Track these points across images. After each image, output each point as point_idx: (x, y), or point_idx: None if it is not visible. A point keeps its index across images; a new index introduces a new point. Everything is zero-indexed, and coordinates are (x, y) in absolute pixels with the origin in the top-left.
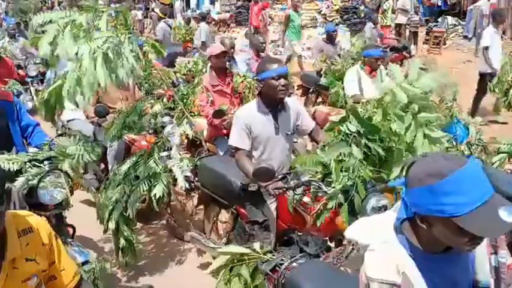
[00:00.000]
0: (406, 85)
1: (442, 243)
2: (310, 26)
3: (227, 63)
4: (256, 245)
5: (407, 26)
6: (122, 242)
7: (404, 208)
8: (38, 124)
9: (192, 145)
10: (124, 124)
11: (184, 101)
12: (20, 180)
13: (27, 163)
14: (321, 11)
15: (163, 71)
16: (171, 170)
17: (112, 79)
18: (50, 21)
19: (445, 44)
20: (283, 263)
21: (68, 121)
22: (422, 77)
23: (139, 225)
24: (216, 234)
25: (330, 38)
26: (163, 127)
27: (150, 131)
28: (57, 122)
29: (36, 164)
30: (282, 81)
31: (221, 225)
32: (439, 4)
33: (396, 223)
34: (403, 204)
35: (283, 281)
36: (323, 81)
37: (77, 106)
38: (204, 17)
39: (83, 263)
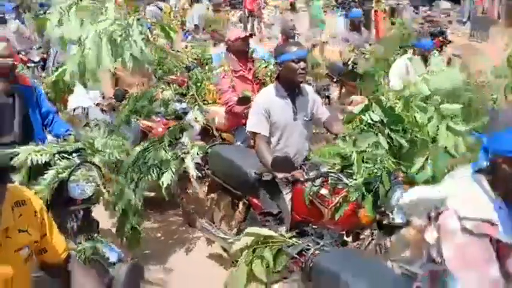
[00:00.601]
0: (429, 77)
1: None
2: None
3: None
4: (282, 229)
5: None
6: (128, 229)
7: (484, 156)
8: (57, 111)
9: (205, 134)
10: (134, 109)
11: (199, 84)
12: (50, 173)
13: (56, 155)
14: None
15: (177, 56)
16: (182, 158)
17: (118, 62)
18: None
19: None
20: (309, 248)
21: (75, 109)
22: (442, 73)
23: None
24: (227, 225)
25: (354, 26)
26: (185, 113)
27: (170, 117)
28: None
29: (65, 156)
30: (302, 64)
31: (232, 215)
32: None
33: (472, 171)
34: (483, 153)
35: (311, 265)
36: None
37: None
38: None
39: (113, 262)
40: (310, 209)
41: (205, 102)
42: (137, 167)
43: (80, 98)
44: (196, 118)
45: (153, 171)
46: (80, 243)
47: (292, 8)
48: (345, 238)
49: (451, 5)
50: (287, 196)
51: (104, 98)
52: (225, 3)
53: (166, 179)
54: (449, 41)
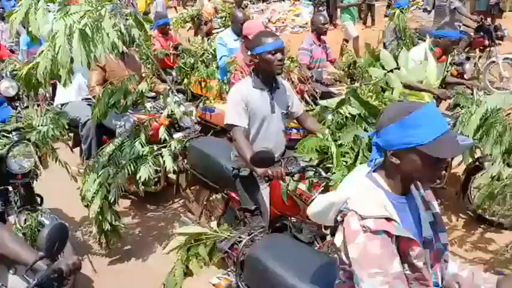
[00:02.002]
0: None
1: (409, 180)
2: None
3: None
4: (214, 224)
5: None
6: (107, 225)
7: (377, 150)
8: (3, 101)
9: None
10: (109, 103)
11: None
12: None
13: None
14: None
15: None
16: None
17: (90, 57)
18: None
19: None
20: (241, 240)
21: (62, 105)
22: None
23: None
24: (207, 218)
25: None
26: (178, 105)
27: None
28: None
29: (5, 134)
30: (279, 55)
31: (212, 209)
32: None
33: (368, 170)
34: (375, 148)
35: (242, 258)
36: None
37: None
38: None
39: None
40: (289, 204)
41: (209, 99)
42: (113, 163)
43: (65, 94)
44: (172, 110)
45: (129, 166)
46: (28, 219)
47: None
48: (324, 231)
49: None
50: (265, 191)
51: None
52: None
53: (144, 173)
54: (498, 43)
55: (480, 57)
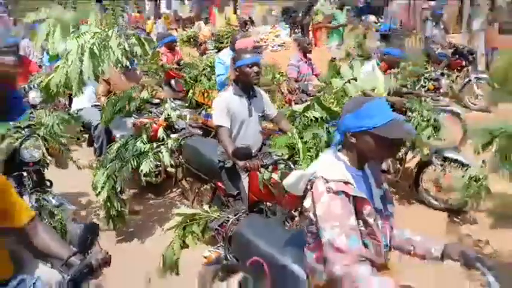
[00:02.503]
0: (355, 82)
1: (364, 157)
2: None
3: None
4: (206, 207)
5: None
6: (113, 211)
7: (339, 134)
8: (28, 108)
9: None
10: (115, 109)
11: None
12: (5, 142)
13: (11, 129)
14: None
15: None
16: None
17: (98, 72)
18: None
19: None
20: (229, 220)
21: (78, 110)
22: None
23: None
24: (199, 204)
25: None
26: (174, 110)
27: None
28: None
29: (19, 130)
30: (255, 68)
31: (202, 196)
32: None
33: (333, 150)
34: (337, 132)
35: (229, 235)
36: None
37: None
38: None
39: (57, 206)
40: (264, 191)
41: (210, 107)
42: (119, 158)
43: (80, 101)
44: (168, 114)
45: (133, 161)
46: (38, 199)
47: None
48: (294, 213)
49: (376, 19)
50: (245, 180)
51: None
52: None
53: (146, 167)
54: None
55: (457, 76)
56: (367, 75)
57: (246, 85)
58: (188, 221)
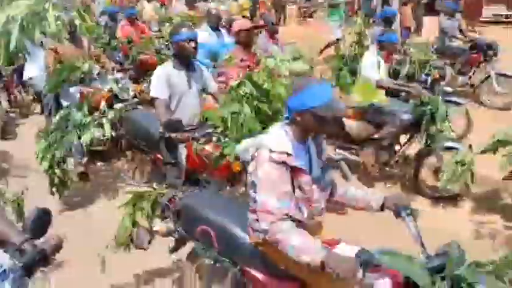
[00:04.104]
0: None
1: (307, 132)
2: None
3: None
4: (155, 185)
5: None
6: (56, 179)
7: (287, 112)
8: None
9: None
10: (59, 78)
11: None
12: None
13: None
14: None
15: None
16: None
17: (33, 42)
18: None
19: (311, 17)
20: (176, 195)
21: (30, 78)
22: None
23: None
24: (140, 175)
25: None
26: (117, 82)
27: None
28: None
29: None
30: (192, 44)
31: (143, 168)
32: None
33: (281, 124)
34: (286, 110)
35: (178, 208)
36: None
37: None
38: None
39: None
40: (199, 162)
41: None
42: (60, 130)
43: (31, 70)
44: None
45: (74, 132)
46: None
47: None
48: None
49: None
50: (182, 150)
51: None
52: None
53: (86, 138)
54: (493, 59)
55: (474, 72)
56: (372, 66)
57: (184, 59)
58: (138, 198)
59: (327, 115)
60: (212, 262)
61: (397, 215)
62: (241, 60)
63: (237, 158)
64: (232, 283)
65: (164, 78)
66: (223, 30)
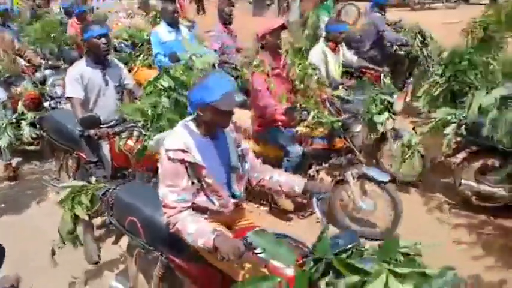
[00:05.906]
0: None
1: (211, 126)
2: None
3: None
4: (92, 179)
5: None
6: None
7: (190, 107)
8: None
9: None
10: None
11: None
12: None
13: None
14: None
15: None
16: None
17: None
18: None
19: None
20: (110, 189)
21: None
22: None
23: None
24: (66, 174)
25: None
26: (44, 80)
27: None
28: None
29: None
30: (103, 40)
31: (67, 167)
32: None
33: (185, 120)
34: (189, 106)
35: (111, 200)
36: None
37: None
38: None
39: None
40: (123, 157)
41: None
42: None
43: None
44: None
45: None
46: None
47: None
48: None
49: None
50: (106, 147)
51: None
52: None
53: (3, 142)
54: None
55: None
56: (318, 62)
57: (97, 56)
58: (76, 192)
59: (224, 109)
60: (144, 252)
61: (309, 198)
62: (272, 69)
63: None
64: (162, 271)
65: (77, 77)
66: (182, 26)
